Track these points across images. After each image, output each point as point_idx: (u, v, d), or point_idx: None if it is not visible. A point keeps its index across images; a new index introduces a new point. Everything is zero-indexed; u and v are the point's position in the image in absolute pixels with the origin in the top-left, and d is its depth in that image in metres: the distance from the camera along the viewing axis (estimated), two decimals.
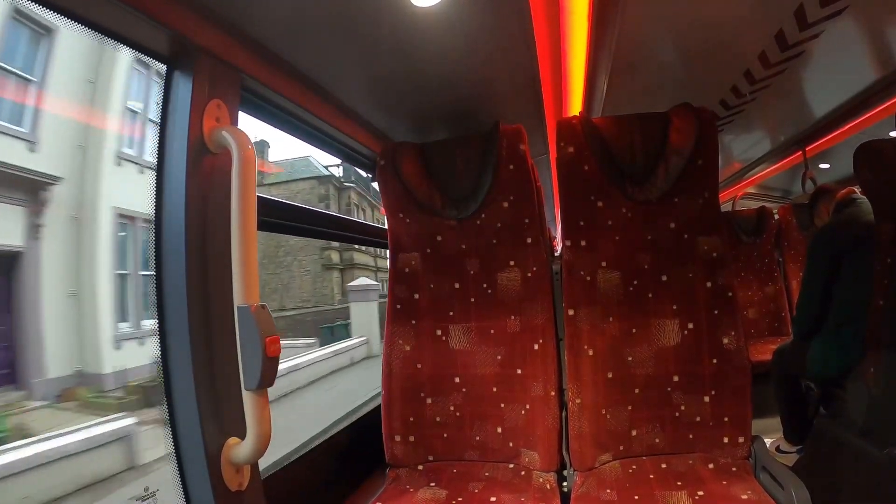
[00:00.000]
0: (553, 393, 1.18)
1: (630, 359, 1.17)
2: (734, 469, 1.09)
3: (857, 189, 1.73)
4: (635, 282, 1.19)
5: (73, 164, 7.34)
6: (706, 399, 1.14)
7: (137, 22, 0.66)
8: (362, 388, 6.64)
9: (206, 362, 0.74)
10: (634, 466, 1.13)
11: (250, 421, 0.71)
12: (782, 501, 0.94)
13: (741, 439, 1.12)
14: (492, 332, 1.23)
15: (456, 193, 1.24)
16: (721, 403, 1.13)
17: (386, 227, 1.33)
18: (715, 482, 1.04)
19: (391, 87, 1.15)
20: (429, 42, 0.96)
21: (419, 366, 1.25)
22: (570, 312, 1.19)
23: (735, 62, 1.28)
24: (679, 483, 1.05)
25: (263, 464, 0.87)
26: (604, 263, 1.20)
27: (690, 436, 1.14)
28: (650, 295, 1.18)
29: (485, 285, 1.25)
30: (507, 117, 1.25)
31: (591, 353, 1.17)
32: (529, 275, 1.23)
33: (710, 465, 1.11)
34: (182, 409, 0.74)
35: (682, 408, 1.15)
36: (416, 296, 1.27)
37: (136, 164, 8.12)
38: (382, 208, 1.32)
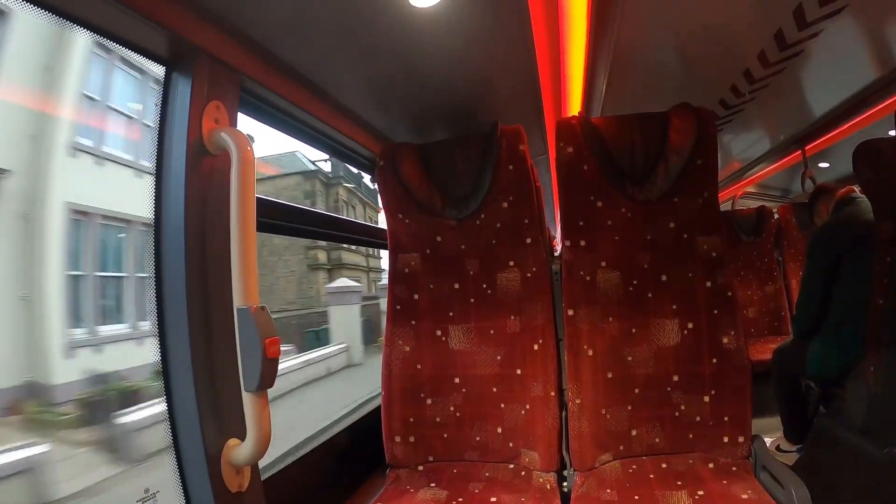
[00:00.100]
0: (553, 393, 1.18)
1: (630, 359, 1.17)
2: (734, 468, 1.09)
3: (856, 188, 1.73)
4: (635, 282, 1.19)
5: (22, 155, 6.54)
6: (706, 399, 1.14)
7: (136, 23, 0.66)
8: (336, 402, 6.11)
9: (206, 364, 0.74)
10: (634, 466, 1.13)
11: (250, 422, 0.71)
12: (782, 501, 0.94)
13: (741, 439, 1.12)
14: (491, 332, 1.23)
15: (455, 194, 1.24)
16: (721, 403, 1.13)
17: (385, 227, 1.33)
18: (715, 482, 1.05)
19: (390, 87, 1.15)
20: (428, 42, 0.96)
21: (419, 366, 1.25)
22: (570, 312, 1.19)
23: (734, 62, 1.28)
24: (679, 483, 1.05)
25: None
26: (603, 263, 1.20)
27: (690, 435, 1.14)
28: (650, 295, 1.18)
29: (484, 285, 1.25)
30: (506, 117, 1.25)
31: (590, 353, 1.17)
32: (529, 275, 1.23)
33: (710, 465, 1.11)
34: (182, 410, 0.74)
35: (682, 407, 1.15)
36: (416, 296, 1.27)
37: (93, 155, 7.34)
38: (382, 208, 1.31)
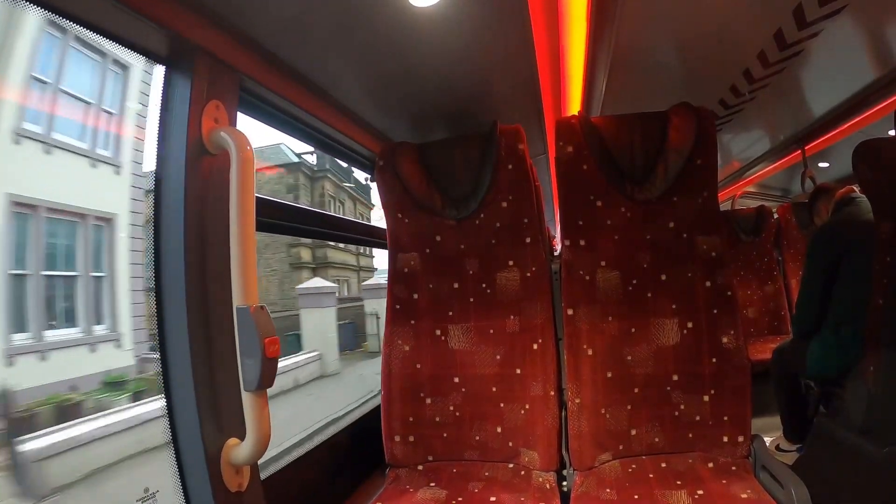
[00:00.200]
0: (552, 392, 1.18)
1: (629, 358, 1.17)
2: (734, 468, 1.09)
3: (856, 188, 1.73)
4: (634, 281, 1.19)
5: None
6: (706, 398, 1.14)
7: (136, 23, 0.66)
8: (300, 421, 4.96)
9: (206, 363, 0.74)
10: (634, 466, 1.13)
11: (250, 422, 0.71)
12: (782, 500, 0.94)
13: (741, 438, 1.12)
14: (491, 331, 1.23)
15: (455, 193, 1.24)
16: (720, 402, 1.13)
17: (384, 226, 1.33)
18: (714, 481, 1.05)
19: (390, 87, 1.15)
20: (427, 42, 0.96)
21: (418, 366, 1.25)
22: (570, 312, 1.19)
23: (734, 61, 1.28)
24: (679, 482, 1.05)
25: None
26: (603, 263, 1.20)
27: (690, 435, 1.14)
28: (649, 294, 1.18)
29: (484, 285, 1.25)
30: (505, 117, 1.25)
31: (590, 352, 1.17)
32: (528, 274, 1.23)
33: (710, 465, 1.11)
34: (181, 410, 0.74)
35: (682, 407, 1.15)
36: (416, 296, 1.27)
37: (42, 142, 6.56)
38: (381, 207, 1.31)
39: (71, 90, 6.93)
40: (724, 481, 1.04)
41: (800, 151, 2.11)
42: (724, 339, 1.14)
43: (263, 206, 0.99)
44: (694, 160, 1.16)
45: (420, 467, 1.22)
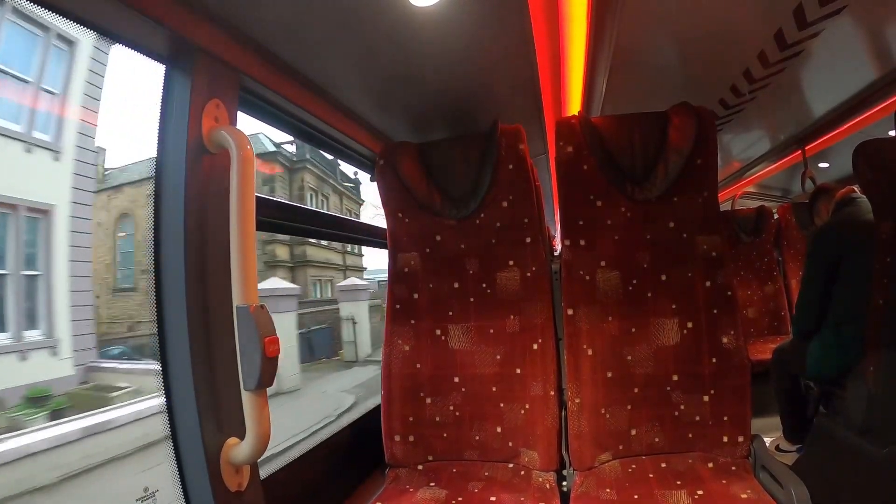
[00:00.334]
0: (552, 392, 1.18)
1: (629, 358, 1.17)
2: (734, 468, 1.09)
3: (856, 188, 1.73)
4: (634, 281, 1.19)
5: None
6: (705, 398, 1.14)
7: (136, 21, 0.66)
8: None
9: (205, 362, 0.74)
10: (634, 466, 1.13)
11: (249, 421, 0.71)
12: (782, 500, 0.94)
13: (741, 438, 1.12)
14: (491, 331, 1.23)
15: (455, 193, 1.24)
16: (720, 402, 1.13)
17: (384, 226, 1.33)
18: (714, 481, 1.05)
19: (390, 86, 1.15)
20: (428, 42, 0.96)
21: (418, 365, 1.25)
22: (570, 312, 1.19)
23: (734, 61, 1.28)
24: (678, 482, 1.05)
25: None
26: (603, 263, 1.20)
27: (690, 435, 1.14)
28: (649, 294, 1.18)
29: (484, 285, 1.25)
30: (506, 117, 1.25)
31: (590, 352, 1.17)
32: (529, 274, 1.23)
33: (710, 465, 1.11)
34: (181, 409, 0.74)
35: (682, 407, 1.15)
36: (416, 295, 1.27)
37: None
38: (382, 207, 1.31)
39: (2, 66, 6.21)
40: (723, 481, 1.04)
41: (800, 151, 2.11)
42: (725, 339, 1.14)
43: (263, 205, 0.99)
44: (694, 160, 1.16)
45: (420, 467, 1.22)
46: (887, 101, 1.52)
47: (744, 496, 0.98)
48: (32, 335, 6.41)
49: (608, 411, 1.16)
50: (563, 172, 1.21)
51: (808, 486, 0.90)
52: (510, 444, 1.20)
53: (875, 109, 1.59)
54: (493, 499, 1.07)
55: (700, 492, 1.01)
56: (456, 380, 1.23)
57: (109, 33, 0.67)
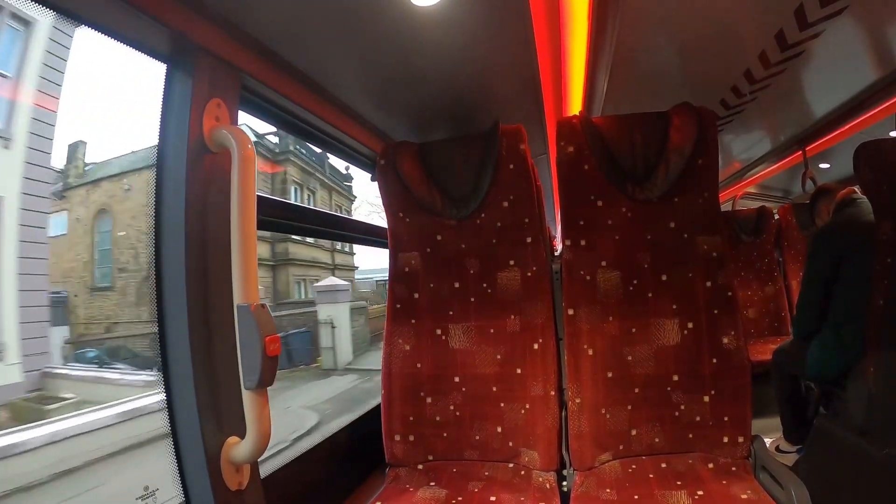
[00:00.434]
0: (553, 392, 1.18)
1: (630, 358, 1.17)
2: (734, 469, 1.09)
3: (857, 189, 1.73)
4: (635, 281, 1.19)
5: None
6: (706, 399, 1.14)
7: (138, 21, 0.66)
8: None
9: (206, 361, 0.74)
10: (634, 466, 1.13)
11: (250, 420, 0.71)
12: (782, 501, 0.94)
13: (741, 439, 1.12)
14: (491, 331, 1.23)
15: (456, 193, 1.24)
16: (721, 403, 1.13)
17: (385, 226, 1.33)
18: (714, 482, 1.05)
19: (391, 86, 1.15)
20: (429, 41, 0.96)
21: (419, 365, 1.25)
22: (570, 312, 1.19)
23: (735, 62, 1.28)
24: (679, 483, 1.05)
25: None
26: (604, 263, 1.20)
27: (690, 435, 1.14)
28: (650, 294, 1.18)
29: (484, 285, 1.25)
30: (507, 117, 1.25)
31: (590, 352, 1.17)
32: (529, 274, 1.23)
33: (710, 465, 1.11)
34: (182, 408, 0.74)
35: (682, 407, 1.15)
36: (416, 295, 1.27)
37: None
38: (383, 207, 1.31)
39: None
40: (724, 482, 1.04)
41: (801, 152, 2.11)
42: (725, 340, 1.14)
43: (264, 204, 0.99)
44: (695, 160, 1.16)
45: (420, 466, 1.22)
46: (888, 101, 1.52)
47: (744, 497, 0.98)
48: None
49: (608, 411, 1.16)
50: (563, 172, 1.21)
51: (809, 487, 0.90)
52: (510, 443, 1.20)
53: (876, 110, 1.59)
54: (493, 498, 1.07)
55: (700, 492, 1.01)
56: (456, 379, 1.23)
57: (110, 32, 0.67)
